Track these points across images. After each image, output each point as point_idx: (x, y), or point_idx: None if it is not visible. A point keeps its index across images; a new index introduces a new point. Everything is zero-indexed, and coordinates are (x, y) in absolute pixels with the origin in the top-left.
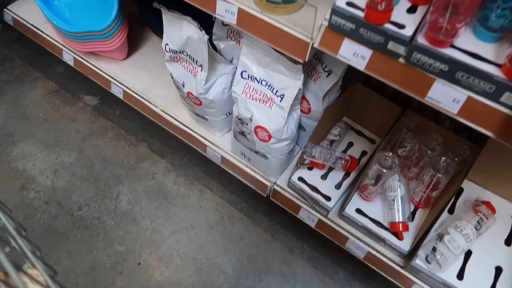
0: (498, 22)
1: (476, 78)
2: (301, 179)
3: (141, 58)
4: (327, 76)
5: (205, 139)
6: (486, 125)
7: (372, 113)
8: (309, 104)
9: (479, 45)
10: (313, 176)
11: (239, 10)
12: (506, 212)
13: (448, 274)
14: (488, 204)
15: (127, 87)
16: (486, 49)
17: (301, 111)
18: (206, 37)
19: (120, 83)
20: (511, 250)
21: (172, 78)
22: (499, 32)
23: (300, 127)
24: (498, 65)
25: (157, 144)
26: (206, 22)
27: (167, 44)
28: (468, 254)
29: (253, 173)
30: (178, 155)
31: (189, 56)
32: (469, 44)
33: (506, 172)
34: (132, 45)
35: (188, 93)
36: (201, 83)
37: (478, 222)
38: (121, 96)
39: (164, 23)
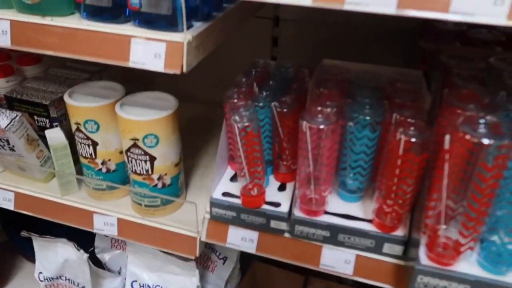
0: (354, 185)
1: (356, 236)
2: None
3: None
4: (223, 264)
5: None
6: (381, 278)
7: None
8: None
9: (347, 206)
10: None
11: (119, 220)
12: None
13: None
14: None
15: None
16: (354, 208)
17: None
18: (86, 255)
19: None
20: None
21: None
22: (358, 192)
23: None
24: (369, 221)
25: None
26: (86, 236)
27: (41, 273)
28: None
29: None
30: None
31: (69, 280)
32: (339, 207)
33: None
34: (1, 279)
35: None
36: None
37: None
38: None
39: (36, 250)
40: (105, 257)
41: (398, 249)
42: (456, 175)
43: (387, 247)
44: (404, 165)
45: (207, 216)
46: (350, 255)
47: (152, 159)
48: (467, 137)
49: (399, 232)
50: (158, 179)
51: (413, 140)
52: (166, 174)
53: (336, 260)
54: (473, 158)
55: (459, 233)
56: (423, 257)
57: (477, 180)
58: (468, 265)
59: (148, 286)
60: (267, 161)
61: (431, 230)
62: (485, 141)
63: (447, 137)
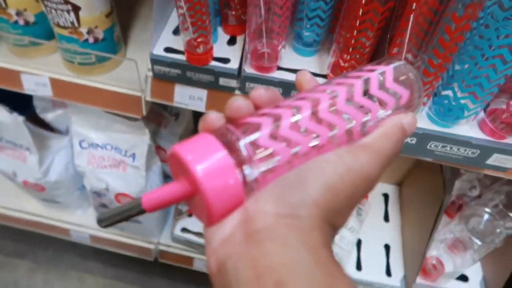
0: (311, 37)
1: None
2: (184, 229)
3: None
4: (176, 120)
5: (65, 222)
6: None
7: None
8: (166, 152)
9: (302, 61)
10: (195, 222)
11: (51, 80)
12: (377, 192)
13: (349, 270)
14: None
15: None
16: (309, 63)
17: (162, 161)
18: (21, 118)
19: None
20: (391, 225)
21: None
22: (315, 45)
23: (167, 176)
24: (324, 76)
25: (10, 246)
26: (24, 95)
27: None
28: (359, 243)
29: (131, 241)
30: (40, 249)
31: (10, 142)
32: (293, 62)
33: None
34: None
35: (24, 182)
36: (35, 168)
37: (357, 212)
38: None
39: None
40: (48, 116)
41: None
42: (420, 27)
43: None
44: (365, 16)
45: (150, 74)
46: None
47: (76, 8)
48: None
49: None
50: (88, 32)
51: None
52: (96, 27)
53: None
54: (442, 7)
55: None
56: None
57: (442, 33)
58: (418, 118)
59: (98, 145)
60: (215, 11)
61: None
62: None
63: None
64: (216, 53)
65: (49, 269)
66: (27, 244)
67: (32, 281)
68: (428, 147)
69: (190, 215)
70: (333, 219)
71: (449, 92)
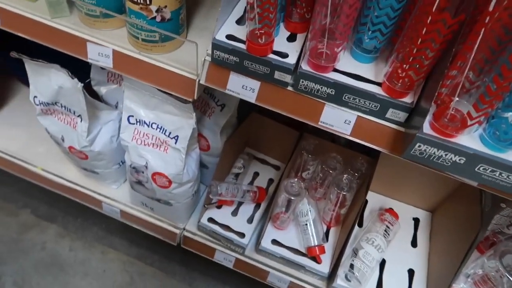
0: (371, 44)
1: (362, 98)
2: (211, 220)
3: (11, 113)
4: (221, 110)
5: (99, 194)
6: (378, 141)
7: (272, 140)
8: (207, 141)
9: (359, 66)
10: (223, 215)
11: (114, 52)
12: (408, 215)
13: None
14: (391, 211)
15: None
16: (366, 69)
17: (200, 149)
18: (80, 85)
19: None
20: (418, 251)
21: (48, 133)
22: (374, 52)
23: (202, 165)
24: (379, 84)
25: (43, 208)
26: (82, 66)
27: (36, 97)
28: (382, 263)
29: (158, 223)
30: (71, 216)
31: (65, 107)
32: (350, 66)
33: (401, 179)
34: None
35: (70, 147)
36: (83, 135)
37: (385, 230)
38: None
39: (28, 74)
40: (101, 90)
41: (402, 116)
42: (489, 44)
43: (391, 112)
44: (433, 26)
45: (208, 58)
46: (351, 116)
47: None
48: None
49: (407, 99)
50: (157, 11)
51: None
52: (166, 7)
53: (336, 119)
54: None
55: (473, 105)
56: (427, 126)
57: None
58: (470, 138)
59: (145, 122)
60: (281, 7)
61: (442, 100)
62: None
63: None
64: (276, 47)
65: (76, 238)
66: (60, 209)
67: (59, 246)
68: (476, 169)
69: (219, 206)
70: None
71: (509, 115)
